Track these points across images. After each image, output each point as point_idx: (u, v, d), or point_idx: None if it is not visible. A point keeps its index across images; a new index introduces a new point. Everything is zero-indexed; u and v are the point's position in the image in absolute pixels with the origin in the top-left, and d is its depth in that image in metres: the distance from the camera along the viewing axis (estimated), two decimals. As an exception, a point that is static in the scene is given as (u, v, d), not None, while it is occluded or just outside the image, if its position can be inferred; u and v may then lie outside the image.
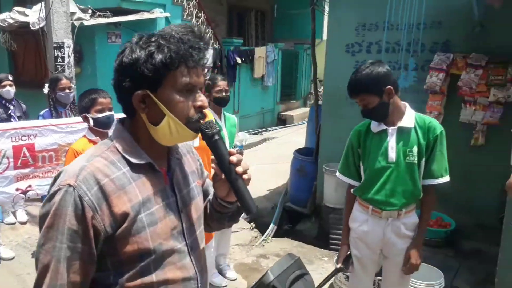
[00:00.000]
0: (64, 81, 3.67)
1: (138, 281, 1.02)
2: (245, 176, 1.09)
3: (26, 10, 5.73)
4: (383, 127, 2.14)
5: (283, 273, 2.40)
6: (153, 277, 1.03)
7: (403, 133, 2.11)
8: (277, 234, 4.70)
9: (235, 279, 3.53)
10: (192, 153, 1.28)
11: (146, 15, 6.04)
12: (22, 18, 5.53)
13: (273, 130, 10.44)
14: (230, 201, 1.19)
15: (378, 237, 2.19)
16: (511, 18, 3.45)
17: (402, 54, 3.91)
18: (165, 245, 1.06)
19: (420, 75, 3.92)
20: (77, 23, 5.04)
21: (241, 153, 3.06)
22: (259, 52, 9.64)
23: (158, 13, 6.27)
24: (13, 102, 4.04)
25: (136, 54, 1.00)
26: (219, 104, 3.14)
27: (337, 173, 2.34)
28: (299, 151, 5.20)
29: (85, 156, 1.04)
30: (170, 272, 1.07)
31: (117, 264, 1.01)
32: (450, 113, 3.85)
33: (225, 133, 3.17)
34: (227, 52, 8.46)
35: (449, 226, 3.87)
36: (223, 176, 1.11)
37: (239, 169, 1.07)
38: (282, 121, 11.29)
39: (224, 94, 3.11)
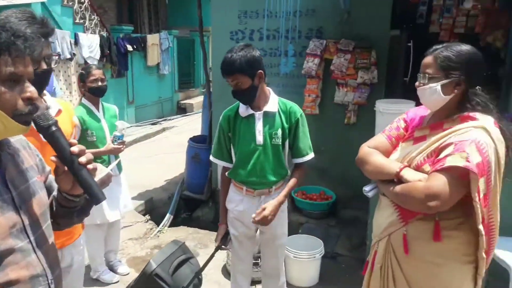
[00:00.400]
0: None
1: None
2: (89, 166, 1.07)
3: None
4: (250, 111, 2.23)
5: (166, 260, 2.41)
6: None
7: (268, 117, 2.23)
8: (174, 224, 4.69)
9: (127, 274, 3.46)
10: (29, 148, 1.21)
11: (17, 1, 5.47)
12: None
13: (173, 119, 10.28)
14: (76, 194, 1.16)
15: (253, 214, 2.30)
16: (373, 7, 3.82)
17: (281, 41, 4.11)
18: (3, 245, 1.00)
19: (298, 61, 4.16)
20: None
21: (123, 143, 2.98)
22: (152, 39, 9.35)
23: (32, -3, 5.73)
24: None
25: None
26: (95, 94, 3.00)
27: (211, 157, 2.39)
28: (193, 139, 5.21)
29: None
30: (12, 272, 1.01)
31: None
32: (326, 96, 4.16)
33: (104, 125, 3.04)
34: (116, 40, 8.05)
35: (330, 198, 4.22)
36: (65, 169, 1.08)
37: (82, 159, 1.05)
38: (182, 110, 11.15)
39: (100, 83, 2.97)
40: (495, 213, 1.58)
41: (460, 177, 1.48)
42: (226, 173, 2.35)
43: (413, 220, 1.63)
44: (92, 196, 1.08)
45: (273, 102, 2.25)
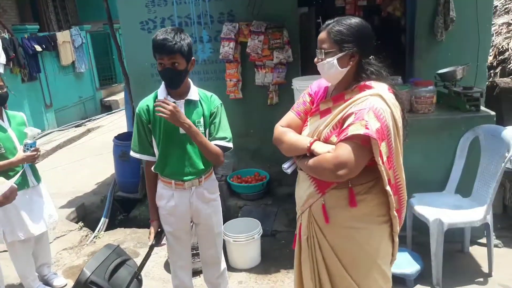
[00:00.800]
0: None
1: None
2: None
3: None
4: (171, 100, 2.18)
5: (101, 265, 2.35)
6: None
7: (190, 106, 2.21)
8: (111, 227, 4.53)
9: (65, 285, 3.32)
10: None
11: None
12: None
13: (97, 118, 9.80)
14: None
15: (186, 208, 2.29)
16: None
17: (195, 27, 4.06)
18: None
19: (215, 46, 4.14)
20: None
21: (37, 150, 2.81)
22: (63, 36, 8.77)
23: None
24: None
25: None
26: (-3, 103, 2.79)
27: (132, 152, 2.31)
28: (118, 137, 5.03)
29: None
30: None
31: None
32: (247, 78, 4.21)
33: (11, 134, 2.83)
34: (21, 41, 7.45)
35: (265, 178, 4.32)
36: None
37: None
38: (107, 108, 10.65)
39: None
40: (400, 173, 1.72)
41: (363, 144, 1.58)
42: (152, 168, 2.30)
43: (329, 189, 1.73)
44: None
45: (194, 91, 2.25)
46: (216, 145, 2.22)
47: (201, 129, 2.23)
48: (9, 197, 1.62)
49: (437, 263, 2.96)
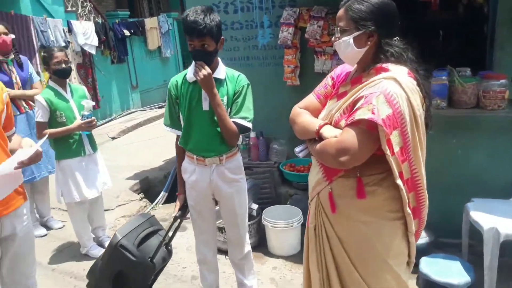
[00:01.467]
0: None
1: None
2: None
3: None
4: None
5: (133, 231, 2.48)
6: None
7: (216, 83, 2.21)
8: (169, 201, 4.79)
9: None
10: None
11: None
12: None
13: (177, 101, 10.34)
14: None
15: (206, 183, 2.33)
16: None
17: (256, 12, 4.06)
18: None
19: (275, 31, 4.10)
20: None
21: (92, 121, 3.06)
22: (150, 23, 9.37)
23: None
24: None
25: None
26: (60, 76, 3.08)
27: (163, 126, 2.41)
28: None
29: None
30: None
31: None
32: (306, 65, 4.11)
33: (72, 105, 3.13)
34: (112, 25, 8.11)
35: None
36: None
37: None
38: (188, 92, 11.18)
39: (63, 65, 3.05)
40: (419, 168, 1.56)
41: (369, 130, 1.46)
42: (179, 144, 2.38)
43: (336, 177, 1.63)
44: None
45: (221, 70, 2.27)
46: (234, 122, 2.21)
47: (224, 108, 2.23)
48: (34, 159, 1.78)
49: (491, 278, 2.65)
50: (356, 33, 1.55)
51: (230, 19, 4.17)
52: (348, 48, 1.58)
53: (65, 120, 3.06)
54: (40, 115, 3.01)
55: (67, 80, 3.19)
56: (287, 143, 4.33)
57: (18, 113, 3.49)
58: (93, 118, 3.06)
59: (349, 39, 1.56)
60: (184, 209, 2.44)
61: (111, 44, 8.01)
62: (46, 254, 3.54)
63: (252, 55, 4.28)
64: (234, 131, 2.22)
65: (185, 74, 2.31)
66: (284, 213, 3.47)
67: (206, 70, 2.10)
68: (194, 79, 2.23)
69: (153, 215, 2.73)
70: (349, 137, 1.47)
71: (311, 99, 1.82)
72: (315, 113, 1.78)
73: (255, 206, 3.69)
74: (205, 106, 2.23)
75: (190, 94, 2.25)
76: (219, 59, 2.31)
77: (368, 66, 1.60)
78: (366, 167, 1.55)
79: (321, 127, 1.61)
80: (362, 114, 1.46)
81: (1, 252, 1.91)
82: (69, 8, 7.10)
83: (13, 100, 3.46)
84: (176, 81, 2.31)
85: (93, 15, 7.73)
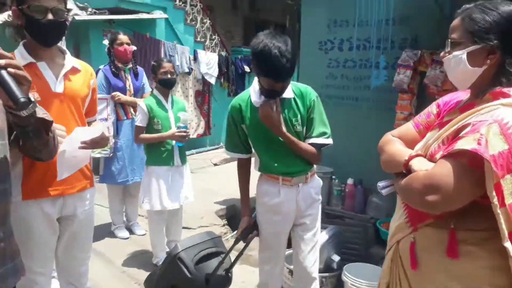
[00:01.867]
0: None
1: None
2: (10, 70, 1.07)
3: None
4: (260, 100, 2.08)
5: (194, 247, 2.35)
6: None
7: (285, 104, 2.09)
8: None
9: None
10: None
11: (143, 15, 6.28)
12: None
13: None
14: (9, 106, 1.12)
15: (292, 205, 2.19)
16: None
17: (373, 52, 3.84)
18: None
19: (391, 74, 3.81)
20: (70, 19, 5.35)
21: (185, 132, 3.10)
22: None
23: (157, 14, 6.50)
24: None
25: None
26: (164, 85, 3.22)
27: (225, 151, 2.34)
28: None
29: None
30: None
31: None
32: (420, 113, 3.71)
33: (170, 115, 3.22)
34: (234, 60, 8.58)
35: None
36: None
37: (1, 62, 1.06)
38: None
39: (169, 76, 3.18)
40: None
41: (471, 166, 1.11)
42: (256, 169, 2.25)
43: (423, 225, 1.28)
44: (11, 96, 1.06)
45: (289, 89, 2.11)
46: (312, 143, 2.09)
47: (300, 128, 2.10)
48: (99, 142, 1.79)
49: None
50: (472, 48, 1.23)
51: (343, 57, 4.01)
52: (460, 65, 1.26)
53: (161, 128, 3.16)
54: (140, 120, 3.16)
55: (170, 91, 3.32)
56: (389, 199, 3.89)
57: (125, 118, 3.74)
58: (187, 130, 3.10)
59: (462, 54, 1.25)
60: (247, 231, 2.25)
61: (231, 77, 8.43)
62: (121, 256, 3.61)
63: (362, 96, 4.02)
64: (313, 153, 2.11)
65: (249, 97, 2.15)
66: (369, 273, 3.03)
67: (276, 111, 1.99)
68: (262, 102, 2.08)
69: (220, 236, 2.59)
70: (443, 171, 1.14)
71: (408, 127, 1.52)
72: (411, 144, 1.46)
73: (336, 258, 3.31)
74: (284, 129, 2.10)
75: (258, 119, 2.08)
76: None
77: (485, 91, 1.26)
78: (464, 218, 1.18)
79: (411, 158, 1.29)
80: (464, 144, 1.12)
81: (60, 232, 1.93)
82: (198, 39, 7.72)
83: (123, 105, 3.73)
84: (239, 104, 2.17)
85: (218, 48, 8.29)
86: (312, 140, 2.11)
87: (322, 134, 2.12)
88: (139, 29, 6.29)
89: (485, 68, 1.23)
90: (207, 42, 7.95)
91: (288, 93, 2.09)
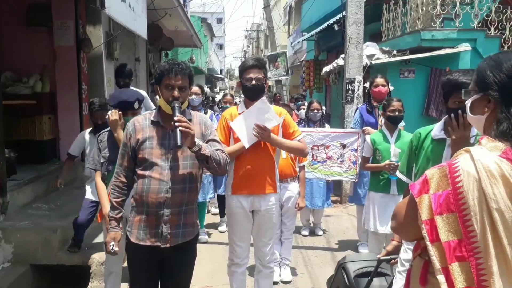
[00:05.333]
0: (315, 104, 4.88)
1: (141, 172, 2.21)
2: (181, 128, 2.03)
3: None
4: (443, 136, 2.16)
5: (360, 262, 2.66)
6: (146, 172, 2.19)
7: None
8: None
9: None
10: (203, 124, 2.31)
11: (440, 52, 6.31)
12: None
13: None
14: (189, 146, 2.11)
15: None
16: None
17: None
18: (154, 160, 2.17)
19: None
20: (368, 62, 6.25)
21: (393, 166, 3.32)
22: None
23: (461, 47, 6.32)
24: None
25: None
26: (391, 121, 3.55)
27: (397, 172, 2.48)
28: None
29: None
30: (153, 173, 2.17)
31: (137, 161, 2.25)
32: None
33: (392, 149, 3.49)
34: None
35: None
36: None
37: (177, 123, 2.03)
38: None
39: (397, 113, 3.48)
40: (493, 280, 1.06)
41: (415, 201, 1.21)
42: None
43: (416, 254, 1.36)
44: (174, 139, 2.06)
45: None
46: None
47: None
48: (263, 134, 2.67)
49: None
50: (475, 97, 1.29)
51: None
52: (468, 113, 1.33)
53: (380, 159, 3.52)
54: (365, 151, 3.67)
55: (400, 126, 3.60)
56: None
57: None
58: (397, 163, 3.32)
59: (468, 102, 1.33)
60: (391, 254, 2.37)
61: None
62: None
63: None
64: None
65: (431, 129, 2.26)
66: None
67: (467, 131, 1.99)
68: (439, 137, 2.18)
69: (391, 259, 2.73)
70: (404, 201, 1.32)
71: None
72: None
73: None
74: None
75: (429, 151, 2.20)
76: None
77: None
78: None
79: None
80: (417, 182, 1.24)
81: (253, 220, 2.86)
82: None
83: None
84: (420, 133, 2.32)
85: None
86: None
87: None
88: (438, 65, 6.44)
89: (486, 116, 1.25)
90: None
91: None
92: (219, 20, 43.80)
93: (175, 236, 2.19)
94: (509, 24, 6.78)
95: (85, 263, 3.69)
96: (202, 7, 32.30)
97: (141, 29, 6.07)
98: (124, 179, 2.27)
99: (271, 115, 2.69)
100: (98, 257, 3.67)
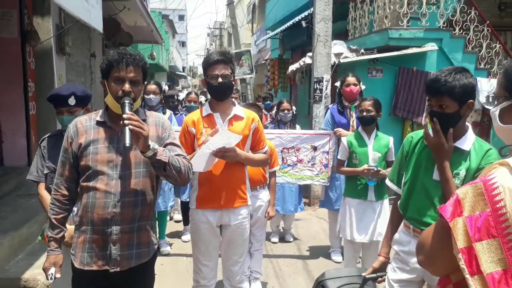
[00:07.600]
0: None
1: (84, 183, 1.85)
2: (130, 126, 1.67)
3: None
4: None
5: (340, 278, 2.44)
6: (90, 183, 1.83)
7: (455, 154, 1.90)
8: None
9: None
10: (160, 126, 1.95)
11: (408, 51, 6.27)
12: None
13: None
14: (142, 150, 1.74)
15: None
16: None
17: None
18: (99, 168, 1.80)
19: None
20: (336, 61, 6.09)
21: (376, 171, 3.13)
22: None
23: (428, 47, 6.31)
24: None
25: None
26: (360, 123, 3.38)
27: (387, 180, 2.25)
28: None
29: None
30: (98, 183, 1.81)
31: (80, 170, 1.87)
32: None
33: (369, 151, 3.28)
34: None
35: None
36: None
37: (126, 121, 1.66)
38: None
39: (364, 114, 3.28)
40: None
41: (447, 227, 1.02)
42: (398, 203, 2.12)
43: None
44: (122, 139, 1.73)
45: (469, 140, 1.92)
46: None
47: (458, 182, 1.88)
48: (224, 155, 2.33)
49: None
50: (505, 103, 1.15)
51: None
52: (496, 122, 1.19)
53: (357, 162, 3.31)
54: (341, 153, 3.43)
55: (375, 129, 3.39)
56: None
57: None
58: (377, 169, 3.13)
59: (495, 111, 1.19)
60: (377, 271, 2.16)
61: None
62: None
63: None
64: None
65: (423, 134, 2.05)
66: None
67: (439, 137, 1.85)
68: None
69: (376, 277, 2.53)
70: (427, 232, 1.14)
71: None
72: None
73: None
74: (436, 176, 1.93)
75: (422, 158, 2.00)
76: (469, 126, 1.97)
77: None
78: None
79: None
80: (446, 204, 1.04)
81: (221, 236, 2.55)
82: (482, 66, 6.88)
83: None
84: (412, 137, 2.11)
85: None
86: None
87: None
88: (406, 64, 6.38)
89: None
90: (495, 68, 6.96)
91: (466, 145, 1.94)
92: (181, 17, 43.00)
93: (127, 258, 1.85)
94: (473, 24, 6.84)
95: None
96: (163, 3, 31.50)
97: (95, 21, 5.59)
98: (65, 192, 1.90)
99: (231, 139, 2.34)
100: (44, 279, 3.23)
